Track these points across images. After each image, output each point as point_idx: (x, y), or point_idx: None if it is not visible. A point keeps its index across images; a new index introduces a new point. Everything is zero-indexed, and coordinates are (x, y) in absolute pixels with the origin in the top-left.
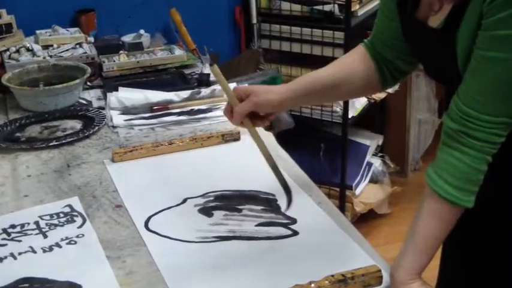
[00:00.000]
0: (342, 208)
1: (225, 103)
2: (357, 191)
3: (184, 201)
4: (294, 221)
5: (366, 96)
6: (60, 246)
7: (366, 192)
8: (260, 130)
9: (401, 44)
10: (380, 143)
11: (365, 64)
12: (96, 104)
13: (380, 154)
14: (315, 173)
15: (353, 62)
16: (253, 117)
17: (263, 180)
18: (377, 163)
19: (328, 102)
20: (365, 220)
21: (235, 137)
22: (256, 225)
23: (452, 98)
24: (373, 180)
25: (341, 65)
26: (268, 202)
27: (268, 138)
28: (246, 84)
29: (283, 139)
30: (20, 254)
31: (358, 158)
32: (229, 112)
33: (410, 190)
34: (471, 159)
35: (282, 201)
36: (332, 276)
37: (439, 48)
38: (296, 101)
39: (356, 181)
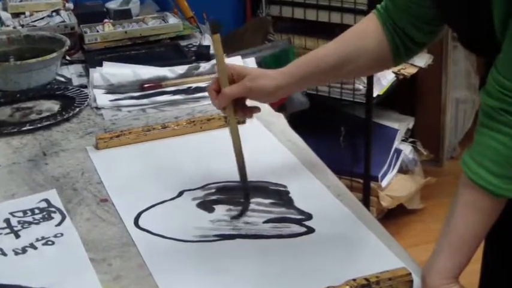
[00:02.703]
0: (365, 203)
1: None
2: (384, 183)
3: (181, 194)
4: (308, 216)
5: (380, 71)
6: (35, 248)
7: (394, 184)
8: (271, 112)
9: (419, 9)
10: (410, 126)
11: (376, 37)
12: (76, 81)
13: (410, 139)
14: (334, 162)
15: (362, 35)
16: (237, 105)
17: (273, 169)
18: (407, 150)
19: (332, 82)
20: (393, 217)
21: (239, 120)
22: (265, 222)
23: (490, 71)
24: (403, 170)
25: (348, 40)
26: (278, 194)
27: (279, 121)
28: (253, 59)
29: (297, 122)
30: None
31: (384, 144)
32: (215, 91)
33: (446, 181)
34: None
35: (295, 194)
36: (354, 280)
37: (473, 12)
38: (296, 87)
39: (382, 171)
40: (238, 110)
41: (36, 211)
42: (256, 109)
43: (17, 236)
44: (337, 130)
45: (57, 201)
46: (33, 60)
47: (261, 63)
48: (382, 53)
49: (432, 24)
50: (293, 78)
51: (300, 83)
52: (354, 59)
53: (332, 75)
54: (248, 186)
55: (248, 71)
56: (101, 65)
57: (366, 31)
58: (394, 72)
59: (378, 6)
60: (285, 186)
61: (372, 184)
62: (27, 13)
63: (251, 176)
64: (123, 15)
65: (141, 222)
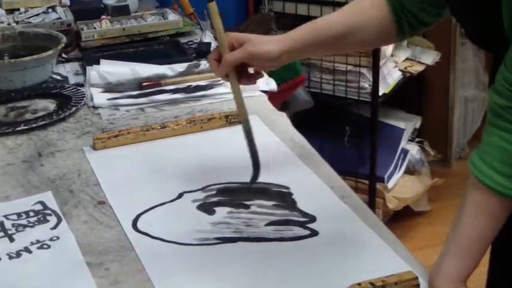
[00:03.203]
0: (371, 204)
1: None
2: (390, 184)
3: (181, 196)
4: (312, 218)
5: (382, 45)
6: (30, 252)
7: (401, 186)
8: (273, 111)
9: None
10: (417, 125)
11: (381, 11)
12: (73, 80)
13: (418, 139)
14: (338, 162)
15: (367, 7)
16: (240, 72)
17: (275, 170)
18: (414, 150)
19: (336, 53)
20: (400, 219)
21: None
22: (267, 224)
23: (499, 68)
24: (410, 171)
25: (353, 11)
26: (281, 196)
27: (282, 120)
28: None
29: (300, 121)
30: None
31: (391, 144)
32: (216, 60)
33: (454, 183)
34: None
35: (298, 195)
36: (359, 284)
37: (481, 6)
38: (299, 53)
39: (388, 172)
40: (240, 78)
41: (31, 214)
42: (259, 74)
43: (12, 240)
44: (341, 130)
45: (52, 203)
46: (28, 58)
47: None
48: (386, 27)
49: (438, 7)
50: (296, 43)
51: (303, 50)
52: (358, 30)
53: (334, 45)
54: (257, 155)
55: (249, 37)
56: (98, 63)
57: (371, 4)
58: (400, 70)
59: None
60: (287, 188)
61: (378, 185)
62: (22, 9)
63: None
64: (121, 11)
65: (139, 225)
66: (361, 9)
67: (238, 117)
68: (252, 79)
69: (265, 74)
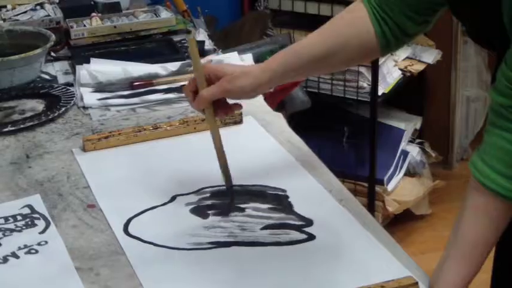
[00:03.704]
0: (370, 208)
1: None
2: (390, 187)
3: (173, 199)
4: (309, 222)
5: (363, 62)
6: (17, 257)
7: (401, 188)
8: (269, 111)
9: None
10: (418, 126)
11: (363, 27)
12: (62, 79)
13: (418, 140)
14: (336, 164)
15: (347, 24)
16: (217, 104)
17: (271, 172)
18: (414, 152)
19: (320, 74)
20: (400, 223)
21: (236, 119)
22: (263, 228)
23: (500, 67)
24: (410, 173)
25: (334, 31)
26: (277, 199)
27: (279, 120)
28: (250, 55)
29: (297, 122)
30: None
31: (390, 146)
32: (192, 92)
33: (456, 185)
34: None
35: (295, 198)
36: None
37: (481, 3)
38: (280, 79)
39: (388, 174)
40: (218, 110)
41: (19, 217)
42: (238, 106)
43: None
44: (340, 130)
45: (41, 207)
46: (16, 56)
47: (258, 60)
48: (369, 44)
49: (424, 14)
50: (275, 74)
51: (284, 76)
52: (339, 50)
53: (316, 67)
54: (232, 189)
55: (225, 70)
56: (88, 61)
57: (352, 21)
58: (400, 69)
59: None
60: (284, 191)
61: (377, 188)
62: (9, 6)
63: (248, 180)
64: (112, 8)
65: (130, 229)
66: (339, 27)
67: (215, 151)
68: (230, 111)
69: None
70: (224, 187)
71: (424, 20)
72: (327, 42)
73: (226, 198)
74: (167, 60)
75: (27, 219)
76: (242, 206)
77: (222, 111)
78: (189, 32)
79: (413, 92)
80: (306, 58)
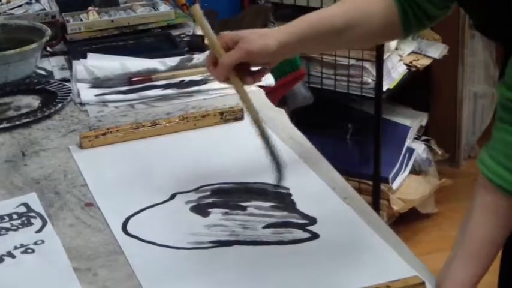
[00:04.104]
0: (375, 206)
1: None
2: (395, 185)
3: (173, 197)
4: (313, 220)
5: (386, 41)
6: (13, 257)
7: (407, 187)
8: (271, 107)
9: None
10: (424, 123)
11: (385, 3)
12: (58, 75)
13: (424, 137)
14: (340, 162)
15: (369, 0)
16: (242, 72)
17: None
18: (420, 149)
19: (338, 49)
20: (405, 222)
21: (237, 116)
22: (265, 227)
23: (509, 61)
24: (416, 171)
25: (354, 2)
26: (280, 197)
27: (281, 116)
28: None
29: (300, 118)
30: None
31: (395, 143)
32: (213, 64)
33: (463, 183)
34: None
35: (298, 196)
36: None
37: None
38: (299, 47)
39: (393, 172)
40: (245, 78)
41: (15, 216)
42: (265, 70)
43: None
44: (343, 127)
45: (37, 205)
46: (11, 51)
47: None
48: (390, 22)
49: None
50: (293, 37)
51: (300, 43)
52: (360, 23)
53: (335, 39)
54: (279, 158)
55: (243, 34)
56: (85, 56)
57: None
58: (405, 64)
59: None
60: (286, 188)
61: (382, 186)
62: (4, 0)
63: (249, 177)
64: (109, 2)
65: (129, 228)
66: (361, 1)
67: (251, 119)
68: (257, 77)
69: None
70: (225, 185)
71: (444, 5)
72: (347, 14)
73: (227, 196)
74: (166, 55)
75: (23, 218)
76: (244, 204)
77: (248, 77)
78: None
79: (419, 88)
80: (326, 27)
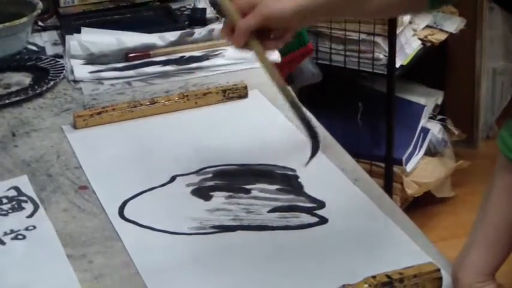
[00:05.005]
0: (388, 190)
1: (227, 48)
2: (409, 167)
3: (173, 179)
4: (321, 204)
5: (411, 13)
6: (3, 243)
7: (421, 169)
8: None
9: None
10: (439, 101)
11: None
12: (50, 51)
13: (440, 117)
14: (350, 143)
15: None
16: (262, 39)
17: (279, 151)
18: (435, 129)
19: (360, 17)
20: (420, 206)
21: (240, 93)
22: (270, 211)
23: None
24: (431, 153)
25: None
26: (286, 180)
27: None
28: None
29: (308, 97)
30: None
31: (409, 123)
32: (230, 31)
33: (481, 165)
34: None
35: (306, 178)
36: (373, 277)
37: None
38: (318, 13)
39: (407, 154)
40: (265, 42)
41: (4, 200)
42: (287, 36)
43: None
44: (354, 106)
45: (28, 189)
46: (0, 25)
47: None
48: None
49: None
50: (315, 1)
51: (322, 9)
52: None
53: (359, 5)
54: (310, 123)
55: None
56: (79, 31)
57: None
58: (420, 39)
59: None
60: (293, 170)
61: (395, 168)
62: None
63: (254, 159)
64: None
65: (126, 213)
66: None
67: (275, 86)
68: (277, 41)
69: None
70: (228, 167)
71: None
72: None
73: (230, 178)
74: (165, 30)
75: (14, 202)
76: (248, 187)
77: (267, 42)
78: None
79: (434, 64)
80: None
